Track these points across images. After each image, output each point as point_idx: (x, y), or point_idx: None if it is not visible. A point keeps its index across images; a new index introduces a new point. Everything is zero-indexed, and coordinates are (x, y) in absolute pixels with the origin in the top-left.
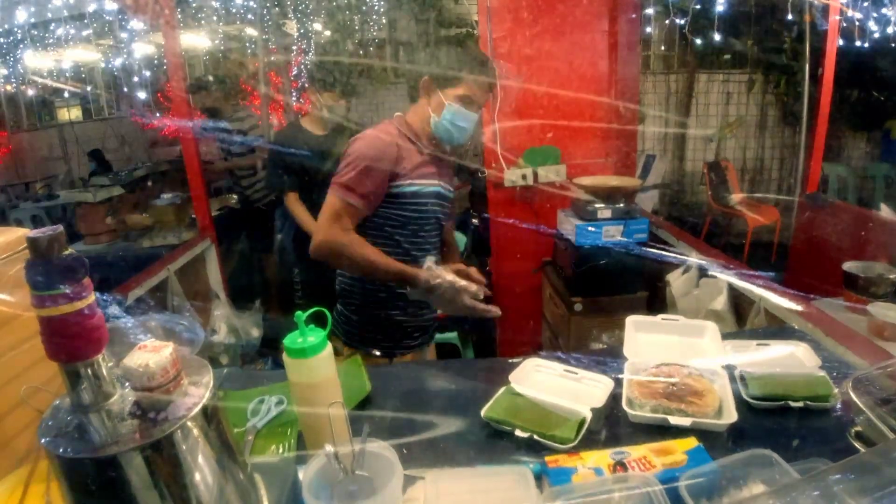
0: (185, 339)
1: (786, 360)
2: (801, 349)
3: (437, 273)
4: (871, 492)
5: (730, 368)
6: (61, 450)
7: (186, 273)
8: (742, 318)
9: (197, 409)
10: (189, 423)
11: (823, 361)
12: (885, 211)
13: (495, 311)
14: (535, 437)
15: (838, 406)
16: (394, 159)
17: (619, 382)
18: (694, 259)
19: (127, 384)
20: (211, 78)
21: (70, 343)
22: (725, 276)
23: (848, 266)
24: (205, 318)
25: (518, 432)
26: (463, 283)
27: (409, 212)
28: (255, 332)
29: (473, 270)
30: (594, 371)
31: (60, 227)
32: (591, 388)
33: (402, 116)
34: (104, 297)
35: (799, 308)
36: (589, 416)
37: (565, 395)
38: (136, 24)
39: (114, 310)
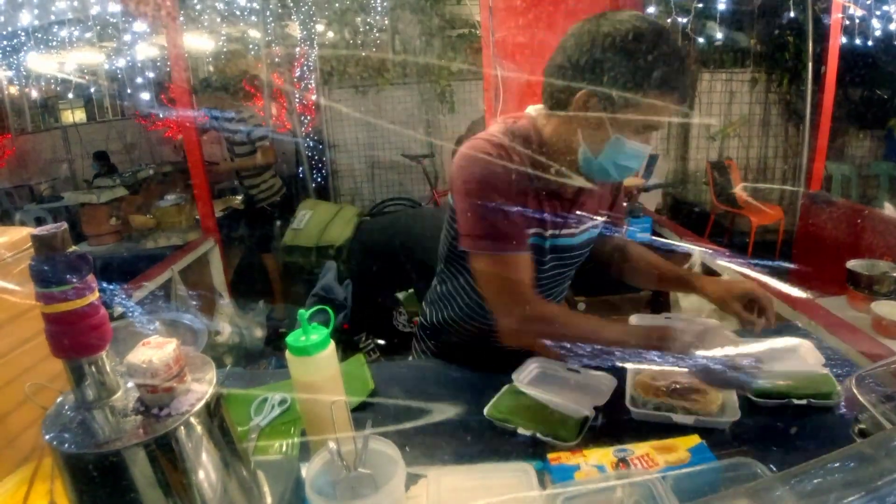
0: (188, 337)
1: (789, 356)
2: (804, 346)
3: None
4: (867, 482)
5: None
6: (65, 445)
7: (190, 274)
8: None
9: (200, 405)
10: (192, 419)
11: (827, 359)
12: (888, 209)
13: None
14: (538, 435)
15: (841, 404)
16: (511, 183)
17: (621, 380)
18: (700, 249)
19: (130, 380)
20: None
21: (74, 339)
22: (734, 267)
23: (852, 264)
24: (209, 318)
25: (521, 430)
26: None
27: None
28: (259, 332)
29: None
30: (597, 369)
31: (64, 225)
32: (593, 386)
33: (528, 125)
34: (108, 296)
35: (803, 305)
36: (591, 414)
37: (568, 393)
38: (140, 25)
39: (118, 309)
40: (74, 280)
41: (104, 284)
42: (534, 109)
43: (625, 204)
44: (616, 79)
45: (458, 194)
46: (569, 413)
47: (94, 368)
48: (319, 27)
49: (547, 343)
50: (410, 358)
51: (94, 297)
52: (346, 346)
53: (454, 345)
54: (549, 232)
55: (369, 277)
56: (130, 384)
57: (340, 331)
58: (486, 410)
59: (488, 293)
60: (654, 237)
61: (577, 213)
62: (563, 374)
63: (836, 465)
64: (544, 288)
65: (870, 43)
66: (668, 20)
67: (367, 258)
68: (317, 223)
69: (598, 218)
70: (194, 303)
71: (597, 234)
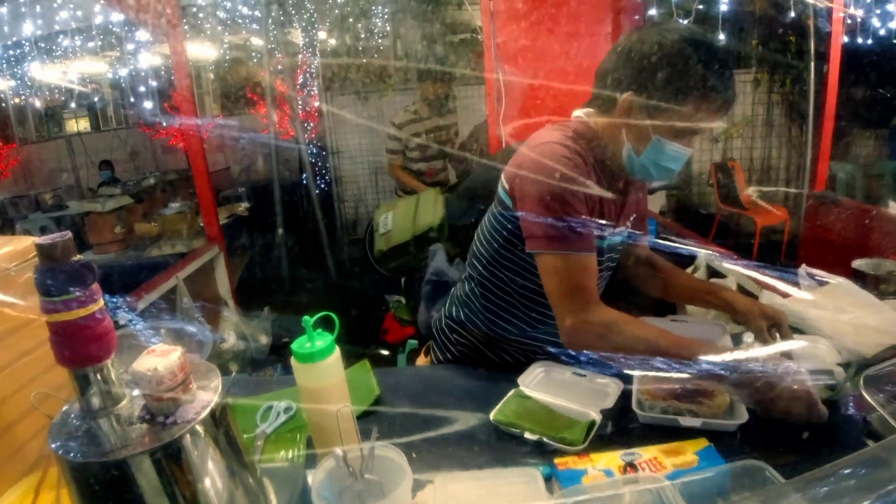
0: (193, 344)
1: (805, 354)
2: (822, 344)
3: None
4: (880, 486)
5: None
6: (71, 454)
7: (195, 281)
8: None
9: (205, 413)
10: (198, 427)
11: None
12: (893, 208)
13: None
14: (545, 439)
15: (850, 403)
16: (590, 194)
17: (628, 384)
18: (706, 252)
19: (136, 389)
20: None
21: (79, 348)
22: (739, 269)
23: (858, 263)
24: (214, 325)
25: (527, 435)
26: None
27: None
28: (264, 339)
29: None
30: (603, 373)
31: (69, 233)
32: (599, 389)
33: (583, 127)
34: (114, 304)
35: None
36: (598, 418)
37: (574, 397)
38: (143, 34)
39: (123, 317)
40: (79, 289)
41: (109, 293)
42: (583, 113)
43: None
44: (662, 85)
45: (529, 197)
46: (575, 417)
47: (99, 377)
48: (322, 34)
49: (606, 351)
50: (429, 357)
51: (98, 306)
52: None
53: (476, 346)
54: (607, 232)
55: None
56: (136, 393)
57: None
58: (492, 415)
59: (556, 293)
60: (658, 240)
61: (621, 213)
62: (568, 378)
63: (850, 470)
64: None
65: (872, 42)
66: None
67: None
68: (403, 217)
69: (631, 218)
70: (199, 311)
71: (626, 235)
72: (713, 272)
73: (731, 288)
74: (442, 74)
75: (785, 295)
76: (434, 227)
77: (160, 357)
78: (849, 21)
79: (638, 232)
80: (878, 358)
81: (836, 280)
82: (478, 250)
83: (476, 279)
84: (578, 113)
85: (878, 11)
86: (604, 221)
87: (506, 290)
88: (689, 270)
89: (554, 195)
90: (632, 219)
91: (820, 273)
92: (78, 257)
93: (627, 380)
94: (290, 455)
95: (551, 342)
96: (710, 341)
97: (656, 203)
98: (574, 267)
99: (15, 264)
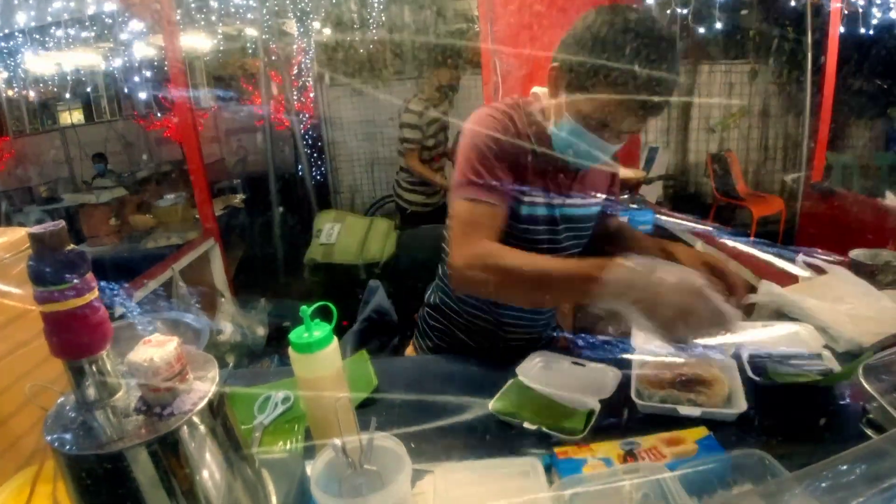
0: (190, 335)
1: (790, 339)
2: (805, 330)
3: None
4: (883, 479)
5: (737, 356)
6: (66, 447)
7: (191, 273)
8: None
9: (203, 404)
10: (195, 418)
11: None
12: (890, 199)
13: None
14: (544, 429)
15: (847, 392)
16: (512, 153)
17: (627, 372)
18: (705, 228)
19: (132, 380)
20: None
21: (74, 339)
22: (742, 247)
23: (855, 254)
24: (210, 316)
25: (526, 424)
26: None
27: (518, 239)
28: (261, 331)
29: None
30: (602, 362)
31: (62, 223)
32: (598, 379)
33: (533, 99)
34: (109, 296)
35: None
36: (597, 407)
37: (573, 386)
38: (137, 25)
39: (119, 309)
40: (73, 279)
41: (105, 284)
42: (538, 89)
43: (625, 196)
44: (582, 66)
45: (459, 151)
46: (575, 406)
47: (94, 368)
48: (317, 24)
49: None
50: (411, 347)
51: (93, 295)
52: None
53: (451, 331)
54: (557, 200)
55: (418, 295)
56: (132, 384)
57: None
58: (490, 405)
59: (451, 236)
60: (659, 216)
61: (578, 187)
62: (567, 368)
63: (851, 462)
64: (557, 255)
65: (870, 32)
66: (668, 11)
67: (411, 274)
68: (350, 238)
69: (599, 195)
70: (195, 302)
71: (599, 211)
72: None
73: (673, 242)
74: (453, 61)
75: (782, 284)
76: (379, 264)
77: (156, 347)
78: (846, 11)
79: (608, 206)
80: (876, 347)
81: (833, 268)
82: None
83: (445, 260)
84: (537, 89)
85: (876, 1)
86: (550, 186)
87: None
88: None
89: (470, 149)
90: (601, 195)
91: (820, 252)
92: (71, 246)
93: (626, 368)
94: (288, 446)
95: (521, 323)
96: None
97: (653, 193)
98: (471, 212)
99: (9, 255)
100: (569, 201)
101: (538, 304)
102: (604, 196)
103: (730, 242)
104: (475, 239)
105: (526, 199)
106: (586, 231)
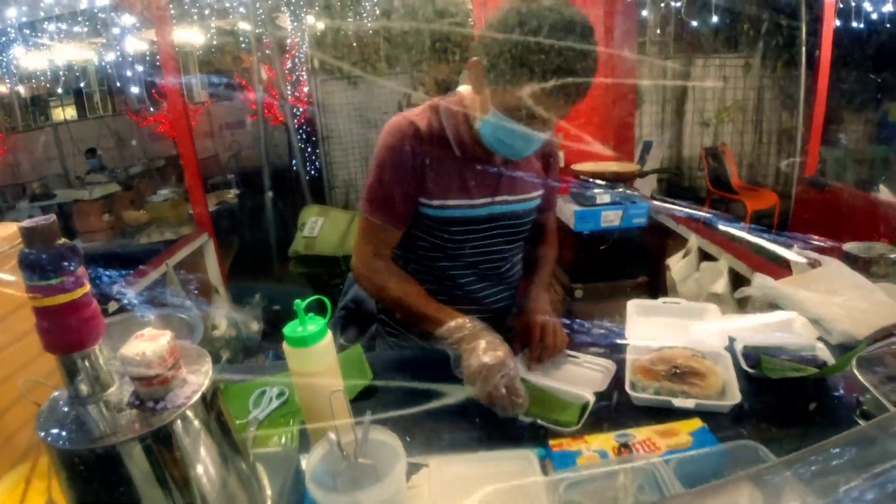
0: (184, 330)
1: (783, 331)
2: (798, 321)
3: (467, 336)
4: (871, 465)
5: (731, 349)
6: (59, 442)
7: (185, 268)
8: (743, 301)
9: (196, 398)
10: (188, 412)
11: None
12: (883, 192)
13: (520, 405)
14: (539, 421)
15: (840, 384)
16: (415, 164)
17: (621, 366)
18: (702, 214)
19: (125, 374)
20: None
21: (66, 333)
22: (738, 233)
23: (848, 247)
24: (205, 312)
25: (521, 417)
26: (490, 360)
27: (441, 240)
28: (256, 326)
29: (554, 328)
30: (596, 355)
31: (53, 217)
32: (592, 371)
33: (456, 99)
34: (103, 291)
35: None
36: (592, 399)
37: (567, 379)
38: (129, 19)
39: (113, 304)
40: (64, 272)
41: (98, 279)
42: (463, 87)
43: (619, 189)
44: (499, 57)
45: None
46: (569, 399)
47: (87, 363)
48: (311, 18)
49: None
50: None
51: (84, 289)
52: None
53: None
54: (481, 200)
55: None
56: (125, 378)
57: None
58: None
59: (355, 239)
60: (655, 201)
61: (507, 183)
62: (561, 360)
63: (841, 448)
64: (484, 255)
65: (864, 26)
66: (662, 5)
67: None
68: (332, 231)
69: (533, 192)
70: (189, 297)
71: (534, 206)
72: (704, 255)
73: (545, 295)
74: (453, 54)
75: (776, 277)
76: None
77: (149, 341)
78: (840, 5)
79: (543, 203)
80: (870, 339)
81: (826, 261)
82: None
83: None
84: (461, 88)
85: None
86: (461, 191)
87: (405, 257)
88: (680, 254)
89: (375, 164)
90: (535, 191)
91: (816, 238)
92: (63, 240)
93: (620, 361)
94: (283, 440)
95: (477, 297)
96: (459, 321)
97: (647, 187)
98: (368, 229)
99: (1, 250)
100: (499, 199)
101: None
102: (538, 192)
103: (725, 227)
104: (370, 254)
105: (437, 202)
106: (522, 226)
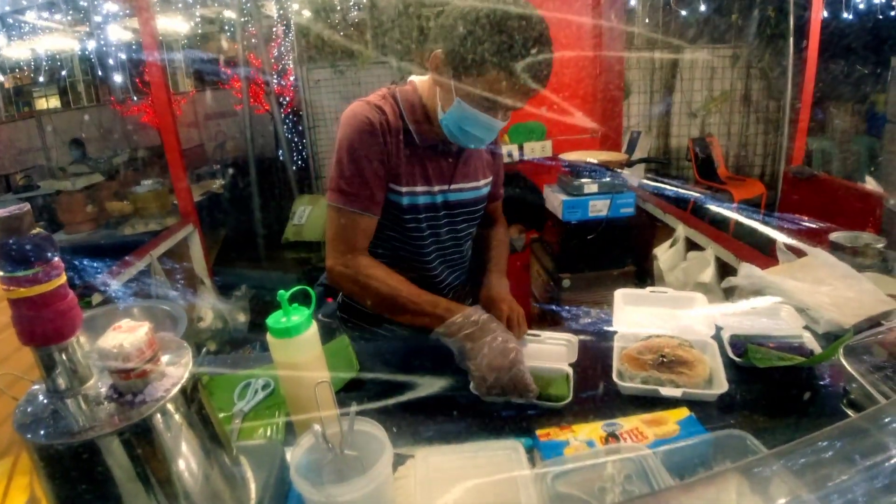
0: (168, 322)
1: (770, 318)
2: (785, 309)
3: (476, 332)
4: (861, 457)
5: (719, 337)
6: (37, 436)
7: (170, 259)
8: (730, 291)
9: (176, 390)
10: (168, 405)
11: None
12: (870, 183)
13: (536, 390)
14: (532, 400)
15: (827, 373)
16: (385, 148)
17: (607, 354)
18: (692, 194)
19: (103, 366)
20: None
21: (42, 325)
22: (729, 214)
23: (835, 237)
24: (190, 304)
25: (513, 399)
26: (510, 353)
27: (402, 227)
28: (242, 318)
29: (519, 315)
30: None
31: (27, 206)
32: (557, 346)
33: (410, 88)
34: (86, 283)
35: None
36: (570, 371)
37: (537, 357)
38: (112, 7)
39: (96, 297)
40: (40, 264)
41: (82, 271)
42: (416, 77)
43: (606, 179)
44: (462, 48)
45: (334, 152)
46: (550, 375)
47: (64, 356)
48: (296, 5)
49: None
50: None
51: (61, 280)
52: None
53: (355, 306)
54: (438, 187)
55: None
56: (104, 371)
57: None
58: (472, 386)
59: (328, 237)
60: (646, 181)
61: (461, 171)
62: (524, 342)
63: (830, 440)
64: (443, 241)
65: (852, 17)
66: None
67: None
68: (319, 218)
69: (484, 180)
70: (174, 289)
71: (485, 194)
72: (692, 244)
73: (504, 281)
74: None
75: (762, 266)
76: None
77: (127, 333)
78: None
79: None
80: (857, 328)
81: (813, 251)
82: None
83: None
84: (413, 77)
85: None
86: (431, 174)
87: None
88: (668, 243)
89: (342, 152)
90: (487, 180)
91: (805, 220)
92: (37, 230)
93: (580, 333)
94: (268, 432)
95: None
96: (461, 308)
97: (635, 177)
98: (342, 221)
99: None
100: (454, 186)
101: (398, 320)
102: (487, 180)
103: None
104: (349, 250)
105: (405, 189)
106: (474, 214)
